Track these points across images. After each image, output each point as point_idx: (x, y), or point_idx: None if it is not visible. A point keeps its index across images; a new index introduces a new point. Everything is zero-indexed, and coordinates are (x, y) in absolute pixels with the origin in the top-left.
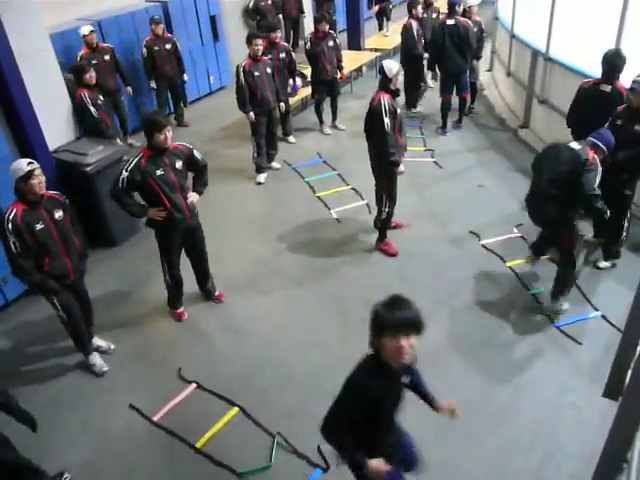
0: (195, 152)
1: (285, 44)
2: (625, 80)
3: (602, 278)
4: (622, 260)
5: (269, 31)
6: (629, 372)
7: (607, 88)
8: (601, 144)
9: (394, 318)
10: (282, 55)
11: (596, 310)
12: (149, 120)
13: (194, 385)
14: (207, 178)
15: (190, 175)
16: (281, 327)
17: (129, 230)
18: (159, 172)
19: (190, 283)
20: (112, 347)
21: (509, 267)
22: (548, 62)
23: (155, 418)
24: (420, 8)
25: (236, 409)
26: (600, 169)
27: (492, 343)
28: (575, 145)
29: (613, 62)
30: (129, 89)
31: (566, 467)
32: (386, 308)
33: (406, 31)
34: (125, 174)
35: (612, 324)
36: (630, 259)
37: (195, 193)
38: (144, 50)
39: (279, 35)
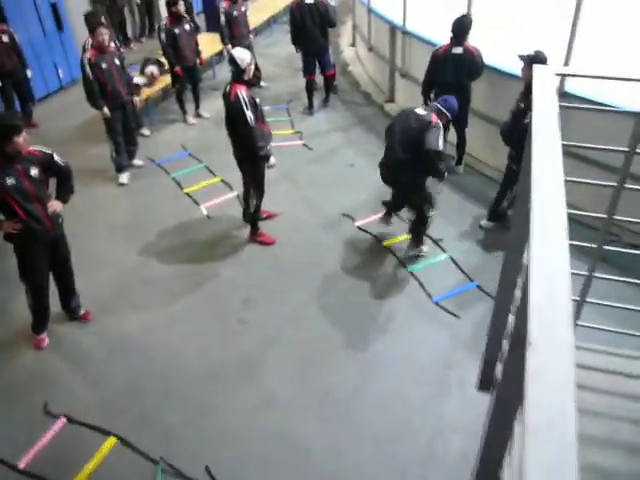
0: (55, 156)
1: (115, 50)
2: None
3: (474, 249)
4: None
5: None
6: (499, 364)
7: (459, 50)
8: (444, 109)
9: None
10: (116, 62)
11: (471, 281)
12: (1, 123)
13: (63, 419)
14: (72, 184)
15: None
16: (156, 341)
17: None
18: (10, 181)
19: (52, 301)
20: None
21: (386, 246)
22: (406, 36)
23: (21, 465)
24: None
25: (113, 439)
26: (442, 131)
27: (371, 327)
28: (421, 110)
29: (462, 25)
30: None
31: (455, 442)
32: None
33: None
34: None
35: (488, 294)
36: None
37: (57, 202)
38: None
39: (106, 35)
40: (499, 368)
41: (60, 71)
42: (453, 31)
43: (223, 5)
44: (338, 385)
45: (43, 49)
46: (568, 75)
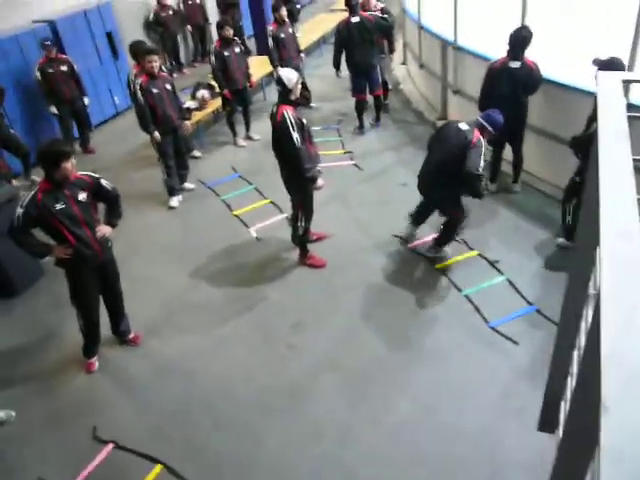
0: (103, 181)
1: (167, 75)
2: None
3: (533, 270)
4: (553, 251)
5: (145, 53)
6: (564, 402)
7: (516, 64)
8: (487, 124)
9: None
10: (167, 87)
11: (530, 304)
12: (50, 150)
13: (111, 445)
14: (121, 209)
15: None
16: (204, 366)
17: (31, 274)
18: (59, 206)
19: (103, 326)
20: (13, 415)
21: (438, 269)
22: (457, 51)
23: None
24: None
25: (159, 467)
26: (484, 149)
27: (425, 354)
28: (463, 125)
29: (519, 38)
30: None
31: (515, 478)
32: None
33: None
34: (20, 210)
35: (548, 318)
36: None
37: (106, 226)
38: (37, 73)
39: (156, 62)
40: (563, 408)
41: (116, 98)
42: (510, 44)
43: (271, 28)
44: (390, 414)
45: (99, 76)
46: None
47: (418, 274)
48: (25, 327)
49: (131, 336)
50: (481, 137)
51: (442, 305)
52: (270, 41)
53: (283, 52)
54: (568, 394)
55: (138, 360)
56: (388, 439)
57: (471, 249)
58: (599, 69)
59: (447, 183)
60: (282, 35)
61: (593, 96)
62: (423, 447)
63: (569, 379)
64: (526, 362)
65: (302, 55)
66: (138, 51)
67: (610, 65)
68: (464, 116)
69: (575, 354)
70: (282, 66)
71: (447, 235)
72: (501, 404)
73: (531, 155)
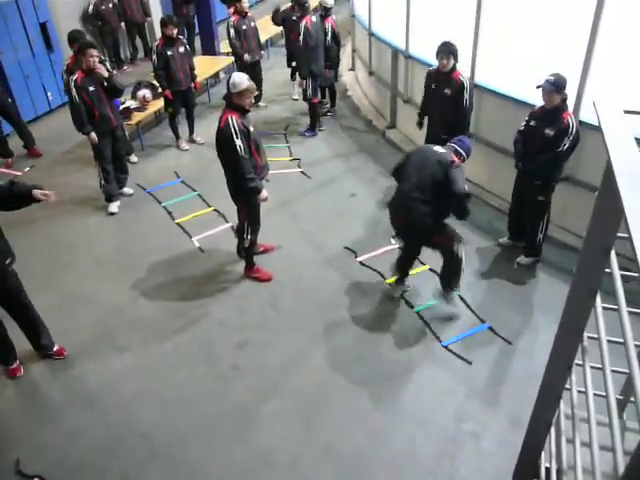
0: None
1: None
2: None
3: (483, 286)
4: (501, 266)
5: (86, 47)
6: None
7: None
8: (462, 151)
9: None
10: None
11: (482, 322)
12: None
13: None
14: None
15: None
16: (141, 389)
17: None
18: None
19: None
20: None
21: (389, 284)
22: (409, 60)
23: None
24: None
25: None
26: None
27: (379, 375)
28: (439, 149)
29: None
30: None
31: None
32: None
33: None
34: None
35: (501, 337)
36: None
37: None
38: None
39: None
40: (544, 460)
41: (49, 93)
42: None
43: (232, 19)
44: (344, 442)
45: (31, 70)
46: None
47: (369, 290)
48: None
49: (55, 348)
50: (457, 161)
51: (395, 323)
52: (232, 32)
53: (245, 45)
54: (551, 445)
55: (68, 382)
56: (343, 472)
57: (422, 263)
58: (552, 88)
59: (430, 209)
60: (244, 27)
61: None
62: (380, 477)
63: (552, 430)
64: (480, 382)
65: (262, 52)
66: (76, 41)
67: (560, 84)
68: (413, 125)
69: (562, 406)
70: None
71: (454, 271)
72: (455, 428)
73: (477, 167)
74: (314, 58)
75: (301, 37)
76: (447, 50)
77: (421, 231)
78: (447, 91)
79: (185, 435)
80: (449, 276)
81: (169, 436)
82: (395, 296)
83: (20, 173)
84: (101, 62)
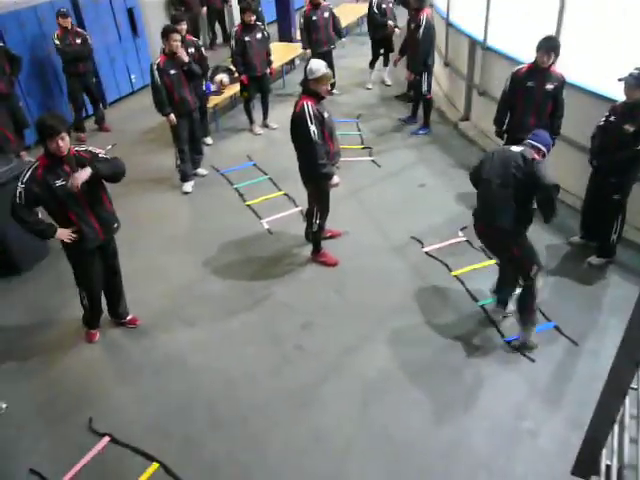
0: (100, 155)
1: (193, 38)
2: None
3: (552, 284)
4: (570, 266)
5: (173, 23)
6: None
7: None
8: (541, 146)
9: None
10: (190, 50)
11: (549, 320)
12: (40, 124)
13: (107, 438)
14: (118, 166)
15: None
16: (208, 362)
17: (35, 254)
18: (59, 182)
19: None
20: (4, 407)
21: (455, 276)
22: (487, 52)
23: None
24: None
25: (155, 465)
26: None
27: (439, 366)
28: (516, 148)
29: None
30: None
31: None
32: None
33: None
34: (21, 187)
35: (567, 336)
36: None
37: (85, 170)
38: (56, 42)
39: (184, 27)
40: (605, 454)
41: (133, 76)
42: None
43: (304, 9)
44: (400, 427)
45: (117, 53)
46: None
47: (433, 281)
48: (25, 308)
49: (129, 318)
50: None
51: (457, 315)
52: (301, 21)
53: (314, 36)
54: (613, 443)
55: (140, 350)
56: (396, 457)
57: (489, 258)
58: (636, 80)
59: (515, 214)
60: (314, 17)
61: None
62: (434, 465)
63: (616, 426)
64: (542, 381)
65: (342, 40)
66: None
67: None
68: (487, 118)
69: (628, 401)
70: (312, 50)
71: (529, 304)
72: (513, 425)
73: (555, 165)
74: (432, 52)
75: (421, 30)
76: (549, 46)
77: (503, 234)
78: (548, 87)
79: (246, 409)
80: (520, 310)
81: (231, 409)
82: (495, 319)
83: (103, 151)
84: (187, 46)
